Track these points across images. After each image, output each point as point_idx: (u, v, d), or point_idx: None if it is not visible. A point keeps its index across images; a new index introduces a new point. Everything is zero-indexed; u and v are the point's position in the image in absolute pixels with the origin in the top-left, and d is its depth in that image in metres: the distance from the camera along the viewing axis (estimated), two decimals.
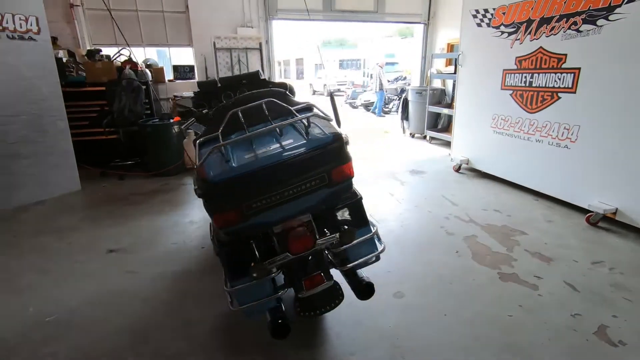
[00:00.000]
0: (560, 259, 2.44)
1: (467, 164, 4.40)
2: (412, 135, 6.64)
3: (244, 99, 1.65)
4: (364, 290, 1.64)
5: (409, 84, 8.45)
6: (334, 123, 1.61)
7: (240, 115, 1.45)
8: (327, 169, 1.28)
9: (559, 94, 3.18)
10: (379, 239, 1.73)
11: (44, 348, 1.74)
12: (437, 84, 6.51)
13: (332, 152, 1.26)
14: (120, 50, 4.80)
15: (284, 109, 1.54)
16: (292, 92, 2.86)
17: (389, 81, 11.67)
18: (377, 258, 1.68)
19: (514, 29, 3.53)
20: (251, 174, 1.21)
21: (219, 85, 2.62)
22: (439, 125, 6.19)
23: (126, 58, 4.81)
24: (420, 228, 2.96)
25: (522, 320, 1.87)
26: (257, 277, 1.48)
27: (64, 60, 4.55)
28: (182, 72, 5.63)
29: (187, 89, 5.28)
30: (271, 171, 1.22)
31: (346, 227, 1.59)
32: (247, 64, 5.07)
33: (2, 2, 3.20)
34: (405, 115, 6.59)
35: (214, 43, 4.86)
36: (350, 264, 1.62)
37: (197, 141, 1.46)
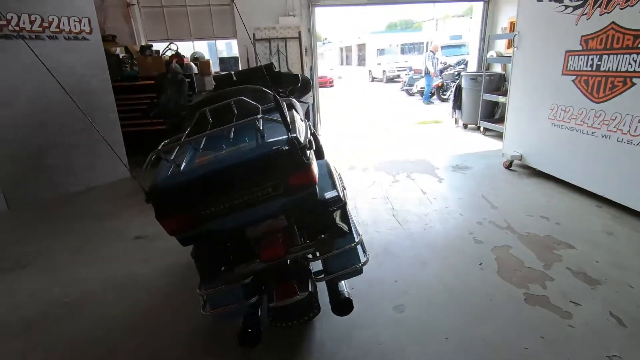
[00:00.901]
0: (611, 283, 2.01)
1: (520, 160, 3.88)
2: (465, 126, 6.07)
3: (215, 97, 1.58)
4: (340, 305, 1.50)
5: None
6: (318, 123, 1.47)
7: (208, 115, 1.39)
8: (281, 176, 1.16)
9: (634, 80, 2.59)
10: (364, 250, 1.57)
11: (54, 328, 1.92)
12: (497, 69, 5.83)
13: (285, 159, 1.14)
14: (169, 45, 5.07)
15: (257, 108, 1.44)
16: (306, 86, 2.75)
17: (451, 65, 10.85)
18: (358, 271, 1.53)
19: (581, 2, 2.95)
20: (197, 180, 1.14)
21: (235, 79, 2.60)
22: (496, 115, 5.56)
23: (173, 52, 5.06)
24: (445, 233, 2.68)
25: (539, 355, 1.58)
26: (225, 283, 1.44)
27: (121, 56, 4.94)
28: (227, 63, 5.80)
29: None
30: (217, 178, 1.14)
31: (323, 235, 1.47)
32: (286, 53, 5.02)
33: (59, 7, 3.53)
34: (457, 104, 6.04)
35: (254, 34, 4.89)
36: (327, 276, 1.49)
37: (162, 143, 1.43)
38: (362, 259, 1.53)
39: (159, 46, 5.28)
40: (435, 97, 9.99)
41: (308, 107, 3.04)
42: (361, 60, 33.21)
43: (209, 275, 1.47)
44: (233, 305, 1.46)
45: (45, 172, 3.71)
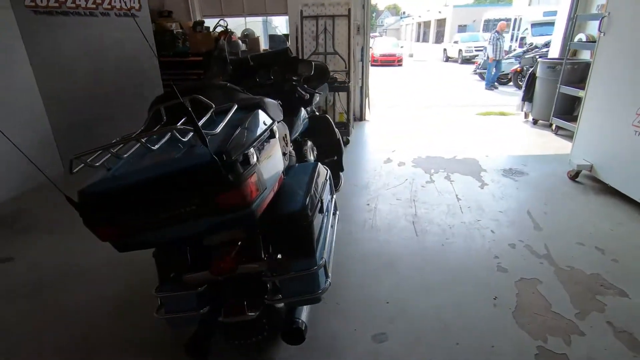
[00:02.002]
0: None
1: (590, 171, 3.22)
2: (535, 122, 5.25)
3: (185, 89, 1.43)
4: (287, 334, 1.36)
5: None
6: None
7: (163, 112, 1.28)
8: (204, 196, 1.01)
9: None
10: (327, 275, 1.39)
11: (58, 295, 2.08)
12: (586, 56, 4.86)
13: (206, 176, 0.98)
14: (219, 21, 5.08)
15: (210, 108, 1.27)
16: (322, 75, 2.51)
17: (537, 47, 9.49)
18: (316, 299, 1.35)
19: None
20: (118, 191, 1.05)
21: (251, 63, 2.47)
22: (575, 112, 4.69)
23: (223, 29, 5.08)
24: (465, 252, 2.33)
25: None
26: (174, 289, 1.38)
27: (175, 32, 5.11)
28: (277, 41, 5.68)
29: None
30: (136, 191, 1.03)
31: (279, 255, 1.31)
32: (333, 32, 4.72)
33: None
34: (529, 95, 5.22)
35: (301, 11, 4.66)
36: (280, 300, 1.35)
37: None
38: (322, 286, 1.35)
39: (211, 23, 5.33)
40: (512, 83, 8.89)
41: (332, 96, 2.81)
42: (439, 37, 30.79)
43: (164, 279, 1.42)
44: (185, 313, 1.40)
45: (97, 142, 4.03)
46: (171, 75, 4.69)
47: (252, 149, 1.07)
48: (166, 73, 4.71)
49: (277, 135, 1.31)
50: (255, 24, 6.31)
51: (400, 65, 17.55)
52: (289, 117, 2.31)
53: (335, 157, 2.70)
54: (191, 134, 1.04)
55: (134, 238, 1.13)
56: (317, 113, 2.87)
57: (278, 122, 1.47)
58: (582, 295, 1.91)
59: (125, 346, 1.70)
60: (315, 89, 2.59)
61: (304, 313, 1.42)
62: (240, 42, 5.10)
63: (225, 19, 5.20)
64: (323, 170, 1.75)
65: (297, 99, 2.36)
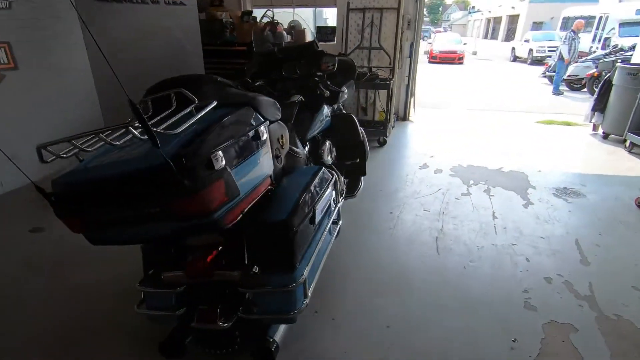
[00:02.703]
0: None
1: None
2: (606, 136, 4.59)
3: (173, 81, 1.35)
4: (257, 353, 1.26)
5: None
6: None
7: (150, 105, 1.23)
8: (158, 200, 0.93)
9: None
10: (305, 294, 1.26)
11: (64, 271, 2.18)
12: None
13: (159, 180, 0.90)
14: (266, 11, 5.07)
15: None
16: (346, 71, 2.35)
17: (623, 50, 8.34)
18: (290, 320, 1.24)
19: None
20: (83, 184, 1.01)
21: (278, 56, 2.39)
22: None
23: (269, 19, 5.06)
24: (489, 280, 2.06)
25: None
26: (154, 286, 1.34)
27: (224, 21, 5.18)
28: (324, 33, 5.55)
29: (328, 51, 5.17)
30: (98, 186, 0.98)
31: (255, 267, 1.22)
32: (380, 26, 4.47)
33: None
34: (601, 105, 4.56)
35: (348, 3, 4.47)
36: (252, 315, 1.25)
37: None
38: (298, 306, 1.23)
39: (260, 13, 5.34)
40: (586, 89, 7.92)
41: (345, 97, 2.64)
42: (509, 35, 28.45)
43: (146, 274, 1.40)
44: (163, 311, 1.36)
45: None
46: (215, 64, 4.78)
47: (220, 152, 0.97)
48: (211, 62, 4.81)
49: (264, 137, 1.21)
50: (306, 15, 6.23)
51: (460, 63, 16.53)
52: (307, 115, 2.20)
53: (358, 160, 2.54)
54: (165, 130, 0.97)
55: (102, 233, 1.10)
56: (344, 111, 2.71)
57: (273, 123, 1.35)
58: (626, 354, 1.59)
59: (115, 331, 1.72)
60: (340, 85, 2.44)
61: (279, 332, 1.31)
62: (285, 33, 5.05)
63: (275, 9, 5.19)
64: (326, 176, 1.62)
65: (319, 96, 2.23)
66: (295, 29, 5.44)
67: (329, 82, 2.27)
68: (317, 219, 1.40)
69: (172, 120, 1.02)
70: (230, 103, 1.20)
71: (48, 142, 0.97)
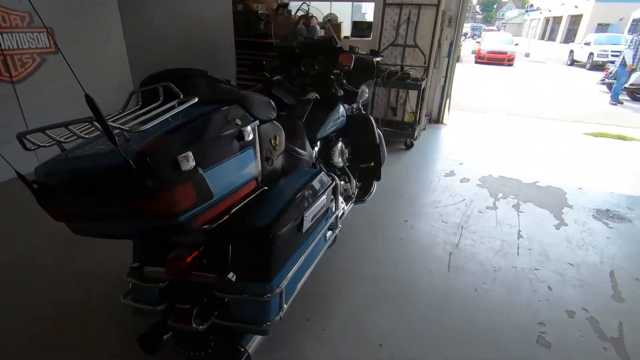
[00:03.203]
0: None
1: None
2: None
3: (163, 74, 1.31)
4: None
5: None
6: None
7: (140, 97, 1.20)
8: (120, 198, 0.90)
9: None
10: (280, 305, 1.20)
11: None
12: None
13: (119, 178, 0.86)
14: (302, 4, 5.00)
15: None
16: (365, 70, 2.24)
17: None
18: (263, 332, 1.18)
19: None
20: (62, 172, 0.99)
21: (297, 51, 2.33)
22: None
23: (304, 13, 4.99)
24: (501, 306, 1.87)
25: None
26: (141, 279, 1.34)
27: (260, 13, 5.18)
28: (359, 29, 5.39)
29: (361, 47, 5.03)
30: (74, 176, 0.96)
31: (231, 272, 1.17)
32: (417, 23, 4.25)
33: None
34: None
35: None
36: (224, 321, 1.20)
37: None
38: (271, 318, 1.16)
39: (297, 6, 5.29)
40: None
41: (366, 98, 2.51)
42: (569, 37, 26.39)
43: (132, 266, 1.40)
44: (145, 305, 1.36)
45: None
46: (248, 55, 4.81)
47: (190, 153, 0.92)
48: (244, 53, 4.85)
49: (249, 137, 1.14)
50: (344, 10, 6.10)
51: (510, 64, 15.59)
52: (321, 113, 2.12)
53: (372, 164, 2.42)
54: (144, 125, 0.93)
55: (81, 225, 1.09)
56: (364, 111, 2.59)
57: (266, 122, 1.29)
58: None
59: (104, 318, 1.75)
60: (358, 85, 2.33)
61: (254, 343, 1.26)
62: (318, 27, 4.96)
63: (312, 2, 5.10)
64: (324, 180, 1.53)
65: (334, 94, 2.14)
66: (330, 22, 5.34)
67: (344, 81, 2.16)
68: (305, 227, 1.32)
69: (149, 115, 0.99)
70: (217, 100, 1.15)
71: (26, 131, 0.97)
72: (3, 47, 2.88)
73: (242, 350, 1.22)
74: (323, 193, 1.47)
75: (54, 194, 1.04)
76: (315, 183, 1.46)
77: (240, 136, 1.11)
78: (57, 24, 3.20)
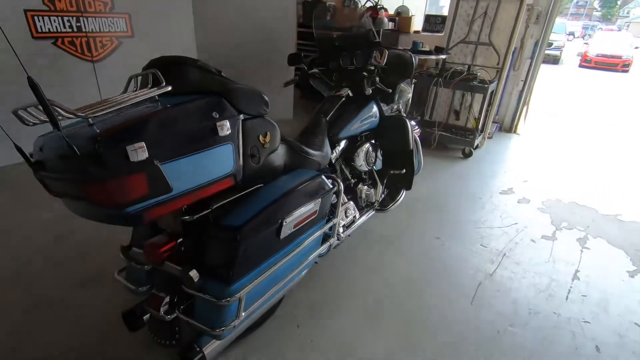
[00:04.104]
0: None
1: None
2: None
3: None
4: (182, 358, 1.19)
5: None
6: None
7: (138, 82, 1.20)
8: (73, 180, 0.90)
9: None
10: (238, 315, 1.13)
11: None
12: None
13: (68, 162, 0.86)
14: None
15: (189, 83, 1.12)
16: (399, 68, 2.03)
17: None
18: (214, 336, 1.12)
19: None
20: (42, 149, 1.04)
21: (337, 43, 2.23)
22: None
23: (372, 4, 4.78)
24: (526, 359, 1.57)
25: None
26: (126, 259, 1.39)
27: (327, 4, 5.10)
28: (432, 23, 5.00)
29: (429, 43, 4.69)
30: (44, 154, 1.00)
31: (193, 270, 1.14)
32: (494, 18, 3.76)
33: None
34: None
35: None
36: (185, 316, 1.18)
37: None
38: (226, 323, 1.10)
39: None
40: None
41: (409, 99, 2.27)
42: None
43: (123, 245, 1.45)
44: (132, 284, 1.41)
45: None
46: (309, 46, 4.79)
47: (143, 143, 0.88)
48: (308, 45, 4.84)
49: (226, 131, 1.07)
50: (419, 2, 5.72)
51: (625, 71, 13.31)
52: (349, 111, 1.98)
53: (404, 171, 2.21)
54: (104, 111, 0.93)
55: (64, 202, 1.14)
56: (403, 112, 2.37)
57: (256, 117, 1.21)
58: None
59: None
60: (394, 84, 2.13)
61: (211, 345, 1.22)
62: (386, 20, 4.72)
63: None
64: (322, 184, 1.41)
65: (365, 92, 1.99)
66: (400, 15, 5.06)
67: (377, 79, 1.99)
68: (284, 233, 1.23)
69: (120, 101, 0.98)
70: (202, 90, 1.10)
71: (19, 107, 1.02)
72: (87, 30, 3.24)
73: (198, 350, 1.19)
74: (315, 198, 1.36)
75: (45, 168, 1.09)
76: (309, 186, 1.35)
77: (214, 130, 1.06)
78: (134, 9, 3.50)
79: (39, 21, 2.95)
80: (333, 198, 1.60)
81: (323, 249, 1.53)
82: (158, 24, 3.75)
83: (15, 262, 1.97)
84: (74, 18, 3.14)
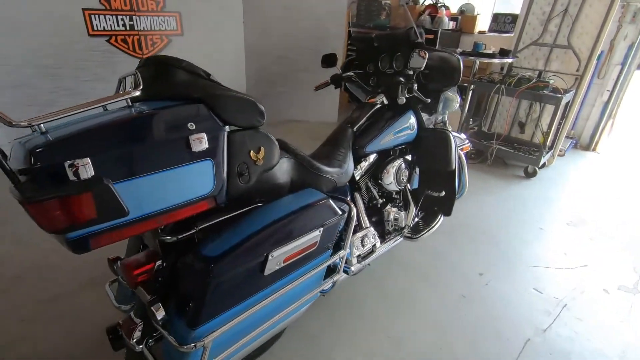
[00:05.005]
0: None
1: None
2: None
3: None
4: None
5: None
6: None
7: (134, 79, 1.08)
8: (14, 195, 0.79)
9: None
10: None
11: None
12: None
13: (9, 174, 0.74)
14: None
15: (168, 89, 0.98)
16: (450, 75, 1.71)
17: None
18: None
19: None
20: None
21: (375, 43, 1.99)
22: None
23: (432, 2, 4.39)
24: None
25: None
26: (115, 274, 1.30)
27: (383, 3, 4.80)
28: (501, 22, 4.45)
29: (495, 45, 4.19)
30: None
31: (159, 304, 0.99)
32: (577, 15, 3.17)
33: None
34: None
35: None
36: (148, 351, 1.04)
37: None
38: None
39: None
40: None
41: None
42: None
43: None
44: (116, 299, 1.32)
45: (276, 97, 4.46)
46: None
47: (87, 159, 0.74)
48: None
49: (204, 146, 0.90)
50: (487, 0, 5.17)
51: None
52: (381, 121, 1.73)
53: (444, 193, 1.90)
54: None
55: None
56: (448, 125, 2.04)
57: (247, 129, 1.02)
58: None
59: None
60: (435, 92, 1.83)
61: None
62: (446, 19, 4.30)
63: None
64: (330, 211, 1.19)
65: (402, 101, 1.71)
66: (464, 14, 4.60)
67: (415, 86, 1.70)
68: (270, 269, 1.03)
69: (85, 108, 0.85)
70: (182, 95, 0.95)
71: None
72: (139, 28, 3.33)
73: None
74: (317, 227, 1.14)
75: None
76: (311, 212, 1.14)
77: (187, 144, 0.89)
78: (184, 8, 3.55)
79: (95, 19, 3.08)
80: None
81: (326, 285, 1.30)
82: (208, 23, 3.77)
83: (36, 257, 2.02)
84: (127, 17, 3.24)
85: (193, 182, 0.92)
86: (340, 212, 1.21)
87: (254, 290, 1.04)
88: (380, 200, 1.82)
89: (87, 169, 0.75)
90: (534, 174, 3.27)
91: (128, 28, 3.28)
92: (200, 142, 0.91)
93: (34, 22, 2.80)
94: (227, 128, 0.98)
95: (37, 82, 2.95)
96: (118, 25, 3.22)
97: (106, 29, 3.16)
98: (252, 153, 1.05)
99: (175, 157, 0.88)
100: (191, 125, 0.90)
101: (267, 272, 1.03)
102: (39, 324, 1.60)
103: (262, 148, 1.07)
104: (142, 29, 3.36)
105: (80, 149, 0.75)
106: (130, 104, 0.91)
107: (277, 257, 1.03)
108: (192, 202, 0.94)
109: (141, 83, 0.94)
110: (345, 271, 1.45)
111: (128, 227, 0.85)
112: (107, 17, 3.14)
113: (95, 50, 3.16)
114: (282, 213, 1.09)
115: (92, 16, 3.06)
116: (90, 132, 0.79)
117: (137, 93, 0.88)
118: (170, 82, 0.97)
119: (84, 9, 3.00)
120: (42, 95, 3.00)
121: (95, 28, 3.10)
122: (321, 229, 1.14)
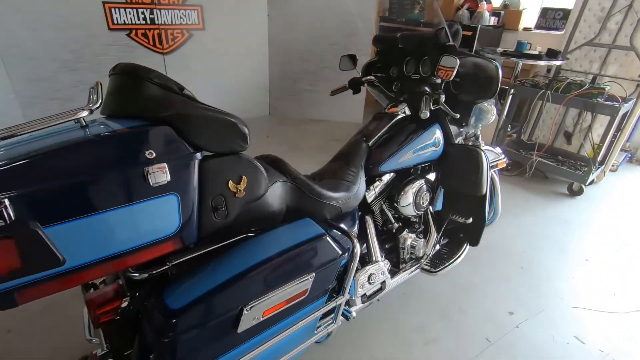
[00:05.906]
0: None
1: None
2: None
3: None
4: None
5: None
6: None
7: (100, 88, 0.94)
8: None
9: None
10: None
11: None
12: None
13: None
14: None
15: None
16: (487, 85, 1.46)
17: None
18: None
19: None
20: None
21: (400, 45, 1.75)
22: None
23: None
24: None
25: None
26: None
27: None
28: (549, 18, 4.00)
29: (541, 44, 3.77)
30: None
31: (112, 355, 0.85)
32: (627, 15, 2.72)
33: None
34: None
35: None
36: None
37: None
38: None
39: None
40: None
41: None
42: None
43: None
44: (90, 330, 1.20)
45: (298, 93, 4.28)
46: None
47: (5, 200, 0.59)
48: None
49: (164, 179, 0.73)
50: None
51: None
52: (400, 134, 1.51)
53: (471, 220, 1.65)
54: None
55: None
56: (481, 141, 1.77)
57: (227, 155, 0.85)
58: None
59: None
60: (466, 105, 1.57)
61: None
62: (487, 14, 3.91)
63: None
64: (327, 252, 0.99)
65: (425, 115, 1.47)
66: (507, 8, 4.19)
67: (442, 97, 1.45)
68: (245, 325, 0.85)
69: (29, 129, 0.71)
70: (146, 114, 0.78)
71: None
72: (159, 22, 3.25)
73: None
74: (309, 272, 0.95)
75: None
76: (301, 253, 0.95)
77: (145, 177, 0.73)
78: (206, 2, 3.43)
79: (115, 13, 3.02)
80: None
81: (319, 336, 1.11)
82: (230, 16, 3.64)
83: None
84: (148, 10, 3.16)
85: (152, 222, 0.76)
86: (339, 253, 1.02)
87: (226, 348, 0.88)
88: (396, 225, 1.60)
89: (5, 211, 0.60)
90: (580, 192, 2.90)
91: (148, 22, 3.20)
92: (162, 174, 0.74)
93: (54, 16, 2.77)
94: (199, 155, 0.81)
95: (57, 76, 2.94)
96: (138, 19, 3.14)
97: (126, 22, 3.10)
98: (231, 183, 0.87)
99: (128, 193, 0.72)
100: (150, 154, 0.73)
101: (241, 329, 0.85)
102: (26, 335, 1.53)
103: (244, 177, 0.89)
104: (162, 23, 3.27)
105: (11, 184, 0.61)
106: (84, 123, 0.76)
107: (254, 311, 0.86)
108: (151, 245, 0.78)
109: (100, 97, 0.79)
110: (344, 315, 1.25)
111: (67, 278, 0.70)
112: (128, 10, 3.07)
113: (115, 45, 3.11)
114: (265, 254, 0.91)
115: (113, 10, 3.00)
116: (16, 162, 0.64)
117: (85, 113, 0.72)
118: (134, 97, 0.80)
119: (104, 2, 2.94)
120: (64, 89, 2.99)
121: (115, 22, 3.05)
122: (313, 274, 0.96)
